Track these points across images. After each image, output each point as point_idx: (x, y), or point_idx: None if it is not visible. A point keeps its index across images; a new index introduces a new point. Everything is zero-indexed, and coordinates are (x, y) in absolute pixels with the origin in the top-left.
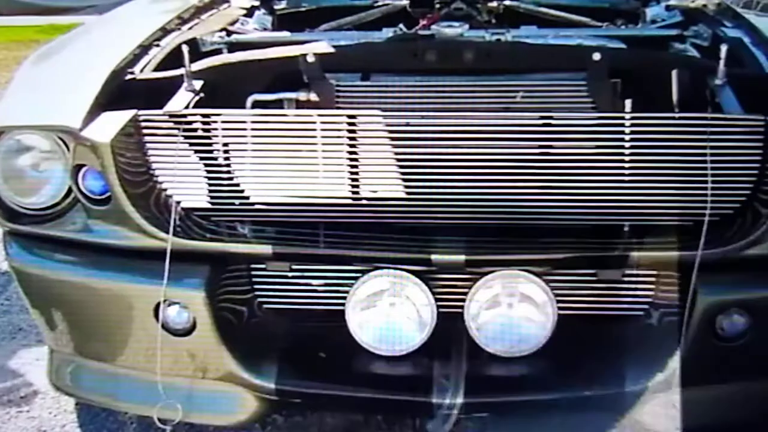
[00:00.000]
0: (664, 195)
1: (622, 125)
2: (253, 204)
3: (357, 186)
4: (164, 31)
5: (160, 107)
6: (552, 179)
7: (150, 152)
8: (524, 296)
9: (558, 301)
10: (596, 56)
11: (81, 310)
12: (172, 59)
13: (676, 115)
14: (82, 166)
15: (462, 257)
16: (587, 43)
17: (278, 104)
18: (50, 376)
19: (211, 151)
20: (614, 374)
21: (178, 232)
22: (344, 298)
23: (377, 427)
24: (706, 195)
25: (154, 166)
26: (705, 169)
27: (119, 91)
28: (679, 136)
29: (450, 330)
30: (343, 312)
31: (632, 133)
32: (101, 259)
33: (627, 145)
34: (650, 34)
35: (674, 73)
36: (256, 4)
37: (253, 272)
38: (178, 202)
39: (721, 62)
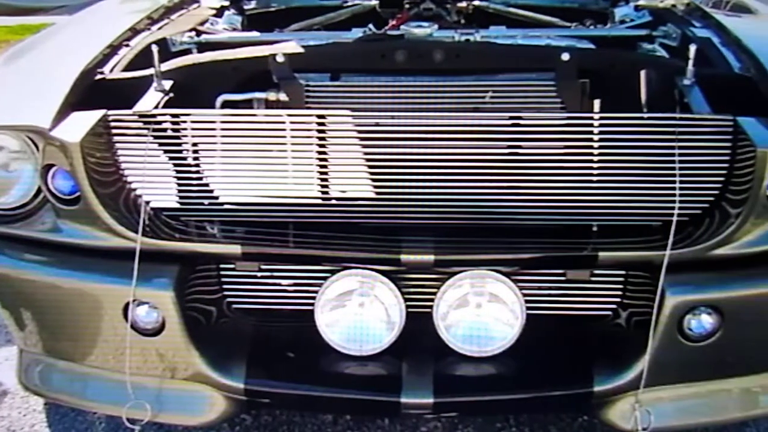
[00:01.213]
0: (633, 195)
1: (591, 125)
2: (222, 204)
3: (326, 186)
4: (134, 31)
5: (130, 107)
6: (521, 179)
7: (119, 152)
8: (493, 296)
9: (527, 301)
10: (565, 56)
11: (50, 310)
12: (142, 59)
13: (645, 116)
14: (52, 165)
15: (431, 257)
16: (556, 44)
17: (248, 104)
18: (19, 375)
19: (180, 151)
20: (583, 374)
21: (147, 232)
22: (313, 298)
23: (346, 426)
24: (674, 195)
25: (123, 166)
26: (673, 169)
27: (89, 91)
28: (648, 136)
29: (419, 330)
30: (312, 312)
31: (601, 133)
32: (70, 258)
33: (595, 145)
34: (619, 35)
35: (643, 73)
36: (226, 4)
37: (223, 272)
38: (148, 202)
39: (690, 62)
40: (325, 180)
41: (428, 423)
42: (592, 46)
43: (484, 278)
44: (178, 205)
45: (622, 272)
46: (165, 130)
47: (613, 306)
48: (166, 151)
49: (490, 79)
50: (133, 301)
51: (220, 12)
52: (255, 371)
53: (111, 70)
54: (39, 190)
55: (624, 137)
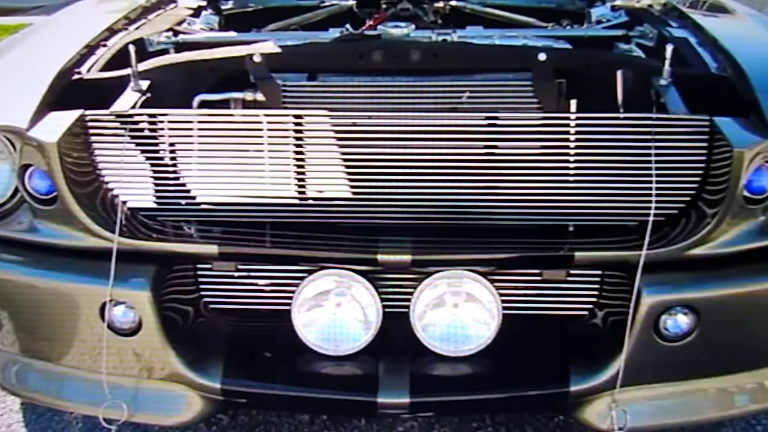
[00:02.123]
0: (609, 195)
1: (567, 125)
2: (199, 204)
3: (303, 186)
4: (111, 31)
5: (107, 107)
6: (497, 179)
7: (96, 152)
8: (469, 296)
9: (503, 301)
10: (542, 56)
11: (27, 310)
12: (119, 59)
13: (621, 116)
14: (29, 165)
15: (408, 257)
16: (533, 44)
17: (225, 104)
18: None
19: (157, 151)
20: (559, 374)
21: (124, 231)
22: (290, 298)
23: (323, 426)
24: (650, 195)
25: (100, 165)
26: (650, 169)
27: (66, 91)
28: (624, 137)
29: (396, 330)
30: (289, 312)
31: (577, 133)
32: (47, 258)
33: (572, 145)
34: (595, 35)
35: (619, 74)
36: (203, 4)
37: (199, 272)
38: (125, 202)
39: (666, 62)
40: (302, 180)
41: (405, 423)
42: (568, 46)
43: (461, 278)
44: (155, 205)
45: (599, 272)
46: (142, 130)
47: (590, 306)
48: (143, 151)
49: (467, 79)
50: (110, 301)
51: (197, 12)
52: (232, 371)
53: (88, 70)
54: (16, 190)
55: (600, 137)
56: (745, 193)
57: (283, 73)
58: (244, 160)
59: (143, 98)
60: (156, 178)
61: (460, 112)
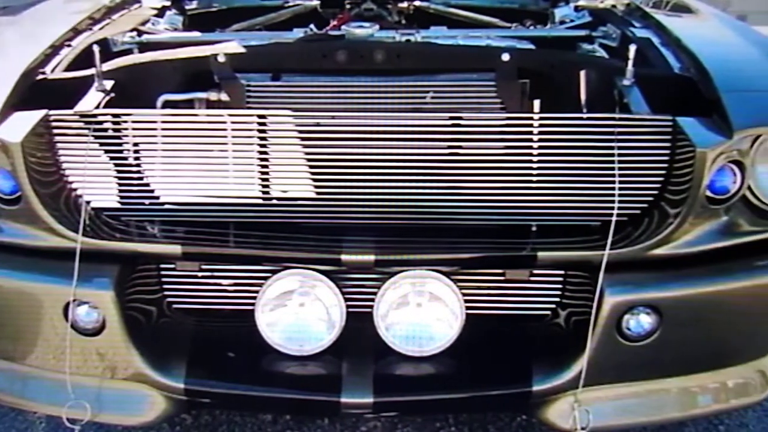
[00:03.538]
0: (572, 195)
1: (530, 125)
2: (163, 204)
3: (267, 186)
4: (75, 32)
5: (72, 107)
6: (461, 179)
7: (60, 152)
8: (433, 296)
9: (466, 301)
10: (505, 57)
11: None
12: (84, 59)
13: (584, 116)
14: None
15: (371, 257)
16: (496, 44)
17: (189, 104)
18: None
19: (121, 151)
20: (521, 373)
21: (87, 231)
22: (254, 297)
23: (286, 426)
24: (613, 195)
25: (64, 165)
26: (613, 169)
27: (31, 91)
28: (587, 137)
29: (359, 330)
30: (252, 312)
31: (540, 133)
32: (11, 258)
33: (535, 145)
34: (559, 35)
35: (582, 74)
36: (167, 4)
37: (163, 272)
38: (88, 202)
39: (630, 62)
40: (266, 180)
41: (368, 422)
42: (532, 46)
43: (424, 278)
44: (118, 205)
45: (562, 272)
46: (106, 130)
47: (552, 306)
48: (107, 151)
49: (431, 80)
50: (74, 300)
51: (161, 12)
52: (195, 371)
53: (52, 70)
54: None
55: (563, 137)
56: (708, 193)
57: (247, 73)
58: (208, 160)
59: (107, 98)
60: (120, 178)
61: (424, 112)
